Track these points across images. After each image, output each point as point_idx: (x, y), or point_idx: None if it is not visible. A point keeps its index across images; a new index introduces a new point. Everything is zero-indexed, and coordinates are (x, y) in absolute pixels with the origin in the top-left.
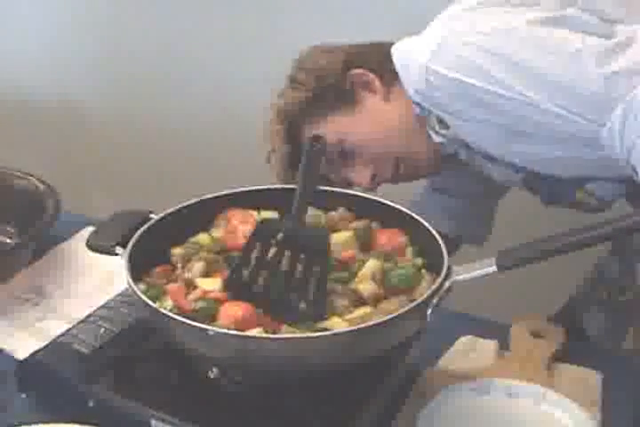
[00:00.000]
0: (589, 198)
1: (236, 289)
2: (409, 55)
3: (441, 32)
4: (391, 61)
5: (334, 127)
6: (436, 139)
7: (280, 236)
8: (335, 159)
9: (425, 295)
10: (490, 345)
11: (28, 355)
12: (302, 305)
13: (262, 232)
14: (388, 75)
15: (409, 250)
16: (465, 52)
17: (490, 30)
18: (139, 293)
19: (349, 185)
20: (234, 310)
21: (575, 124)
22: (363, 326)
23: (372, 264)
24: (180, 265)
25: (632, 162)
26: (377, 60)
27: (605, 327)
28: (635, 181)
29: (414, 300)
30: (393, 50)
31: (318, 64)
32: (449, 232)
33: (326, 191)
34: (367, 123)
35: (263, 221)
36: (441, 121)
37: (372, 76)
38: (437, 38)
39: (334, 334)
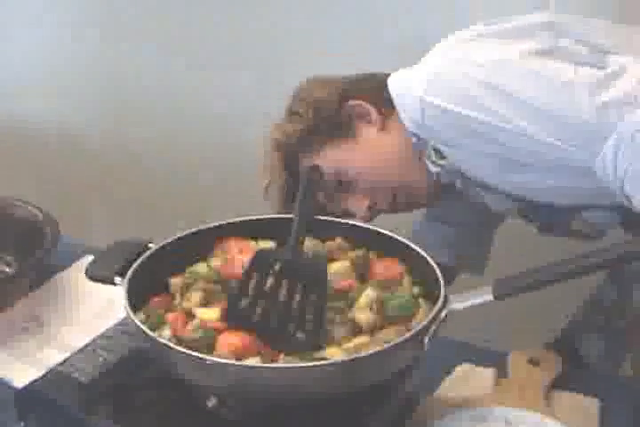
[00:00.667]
0: (585, 227)
1: (234, 319)
2: (405, 86)
3: (436, 63)
4: (387, 92)
5: (332, 158)
6: (433, 169)
7: (278, 265)
8: (333, 190)
9: (422, 324)
10: (488, 373)
11: (26, 384)
12: (300, 335)
13: (260, 262)
14: (385, 105)
15: (406, 279)
16: (459, 83)
17: (484, 61)
18: (137, 322)
19: (347, 215)
20: (232, 340)
21: (568, 154)
22: (360, 355)
23: (369, 293)
24: (178, 295)
25: (625, 191)
26: (373, 91)
27: (604, 354)
28: (629, 210)
29: (412, 329)
30: (389, 81)
31: (315, 96)
32: (447, 262)
33: (324, 221)
34: (364, 154)
35: (261, 251)
36: (438, 151)
37: (368, 106)
38: (432, 69)
39: (332, 364)
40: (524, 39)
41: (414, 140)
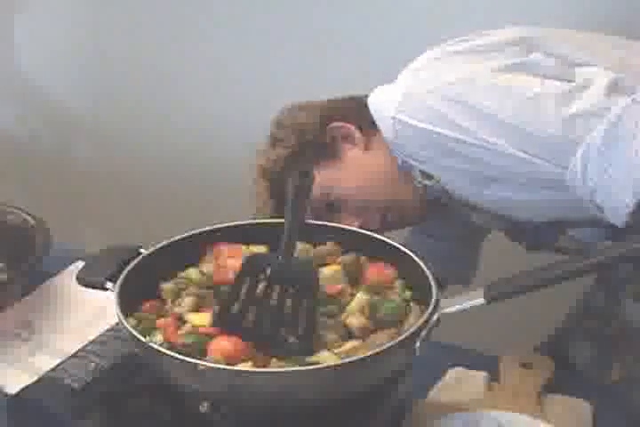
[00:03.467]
0: (572, 244)
1: (225, 324)
2: (380, 107)
3: (406, 83)
4: (369, 112)
5: (318, 181)
6: (419, 186)
7: (269, 270)
8: (322, 211)
9: (413, 328)
10: (480, 377)
11: (18, 390)
12: (292, 340)
13: (251, 267)
14: (367, 125)
15: (397, 283)
16: (429, 101)
17: (454, 80)
18: (129, 327)
19: None
20: (224, 345)
21: (537, 167)
22: (351, 359)
23: (360, 298)
24: (170, 300)
25: (597, 203)
26: (354, 112)
27: (592, 357)
28: (614, 225)
29: (403, 333)
30: (369, 101)
31: (297, 120)
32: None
33: (315, 225)
34: (351, 174)
35: (252, 256)
36: (423, 172)
37: (351, 127)
38: (402, 89)
39: (324, 368)
40: (494, 55)
41: (399, 161)
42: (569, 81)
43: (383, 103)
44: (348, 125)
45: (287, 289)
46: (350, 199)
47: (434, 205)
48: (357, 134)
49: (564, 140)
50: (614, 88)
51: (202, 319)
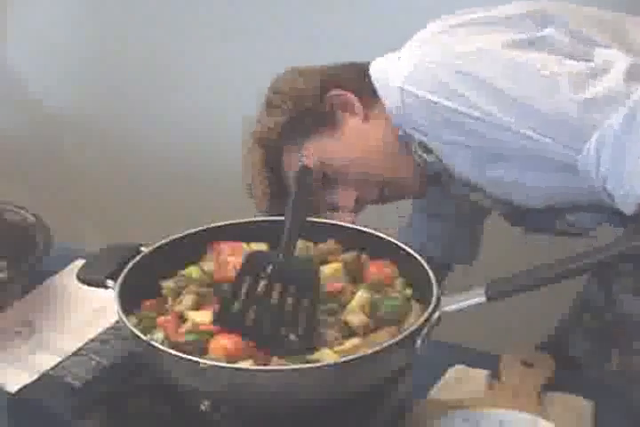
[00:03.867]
0: (570, 228)
1: (226, 322)
2: (385, 77)
3: (416, 54)
4: (369, 81)
5: (315, 151)
6: (419, 161)
7: (270, 268)
8: (319, 182)
9: (414, 327)
10: (480, 375)
11: (19, 388)
12: (293, 338)
13: (252, 265)
14: (368, 95)
15: (398, 281)
16: (439, 74)
17: (464, 51)
18: (130, 325)
19: (333, 209)
20: (224, 343)
21: (548, 148)
22: (352, 357)
23: (361, 296)
24: (170, 298)
25: (608, 190)
26: (355, 80)
27: (590, 349)
28: (614, 210)
29: (404, 331)
30: (371, 70)
31: (295, 87)
32: (437, 256)
33: (315, 223)
34: (348, 145)
35: (252, 254)
36: (423, 145)
37: (351, 96)
38: (412, 60)
39: (324, 366)
40: (508, 28)
41: (400, 132)
42: (586, 61)
43: (389, 73)
44: (348, 94)
45: (288, 287)
46: (347, 171)
47: (434, 181)
48: (357, 103)
49: (580, 123)
50: (633, 74)
51: (202, 317)
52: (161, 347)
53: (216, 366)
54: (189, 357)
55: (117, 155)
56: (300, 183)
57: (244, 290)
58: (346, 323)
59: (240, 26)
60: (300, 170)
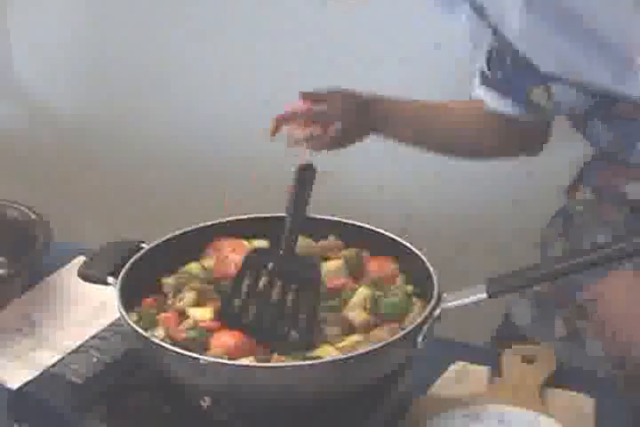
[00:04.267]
0: (545, 101)
1: (227, 319)
2: None
3: None
4: None
5: None
6: None
7: (271, 265)
8: None
9: (416, 323)
10: (481, 372)
11: (20, 385)
12: (294, 334)
13: (253, 261)
14: None
15: (400, 278)
16: None
17: None
18: (130, 322)
19: None
20: (225, 340)
21: None
22: (352, 354)
23: (362, 292)
24: (171, 295)
25: None
26: None
27: (533, 316)
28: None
29: (405, 327)
30: None
31: None
32: None
33: (316, 219)
34: None
35: (253, 251)
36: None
37: None
38: None
39: (325, 363)
40: None
41: None
42: None
43: None
44: None
45: (289, 284)
46: None
47: None
48: None
49: None
50: None
51: (203, 314)
52: (162, 344)
53: (216, 362)
54: (190, 353)
55: (118, 152)
56: (300, 179)
57: (244, 287)
58: (347, 319)
59: (241, 26)
60: (301, 166)
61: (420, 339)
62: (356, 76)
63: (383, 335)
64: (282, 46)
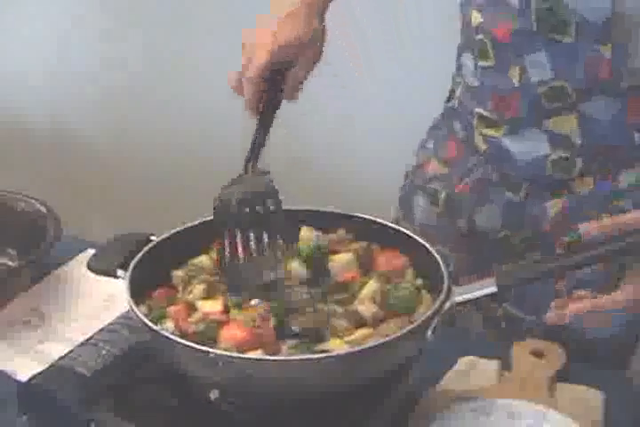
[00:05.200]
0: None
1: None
2: None
3: None
4: None
5: None
6: None
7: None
8: None
9: (424, 317)
10: (491, 365)
11: (28, 378)
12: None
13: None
14: None
15: (409, 271)
16: None
17: None
18: (140, 315)
19: None
20: (235, 332)
21: None
22: (361, 347)
23: (372, 286)
24: (180, 287)
25: None
26: None
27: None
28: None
29: (415, 321)
30: None
31: None
32: None
33: (325, 212)
34: None
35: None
36: None
37: None
38: None
39: (334, 356)
40: None
41: None
42: None
43: None
44: None
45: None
46: None
47: None
48: None
49: None
50: None
51: (213, 307)
52: (171, 336)
53: (226, 355)
54: (199, 346)
55: (127, 146)
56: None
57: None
58: (357, 313)
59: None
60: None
61: (429, 333)
62: (356, 76)
63: (392, 329)
64: None
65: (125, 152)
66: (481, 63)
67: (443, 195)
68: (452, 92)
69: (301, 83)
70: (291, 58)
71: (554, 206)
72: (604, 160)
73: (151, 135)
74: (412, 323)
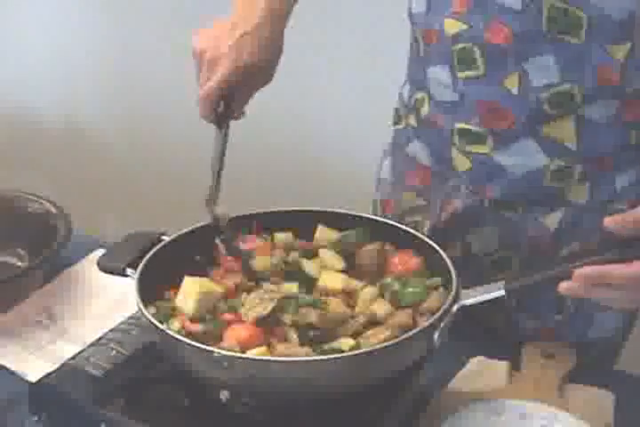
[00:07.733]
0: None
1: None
2: None
3: None
4: None
5: None
6: None
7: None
8: None
9: (433, 319)
10: (502, 366)
11: (39, 377)
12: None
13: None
14: None
15: (423, 271)
16: None
17: None
18: (147, 314)
19: None
20: (238, 331)
21: None
22: (370, 349)
23: (385, 285)
24: None
25: None
26: None
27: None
28: None
29: (422, 313)
30: None
31: None
32: None
33: (339, 214)
34: None
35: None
36: None
37: None
38: None
39: (344, 357)
40: None
41: None
42: None
43: None
44: None
45: None
46: None
47: None
48: None
49: None
50: None
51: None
52: (176, 336)
53: (230, 355)
54: (203, 346)
55: (140, 145)
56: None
57: None
58: (368, 312)
59: None
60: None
61: (436, 335)
62: (355, 76)
63: (403, 321)
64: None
65: (138, 152)
66: (464, 74)
67: (427, 225)
68: (398, 111)
69: (246, 103)
70: (245, 80)
71: (552, 220)
72: (601, 163)
73: (164, 135)
74: (421, 315)
